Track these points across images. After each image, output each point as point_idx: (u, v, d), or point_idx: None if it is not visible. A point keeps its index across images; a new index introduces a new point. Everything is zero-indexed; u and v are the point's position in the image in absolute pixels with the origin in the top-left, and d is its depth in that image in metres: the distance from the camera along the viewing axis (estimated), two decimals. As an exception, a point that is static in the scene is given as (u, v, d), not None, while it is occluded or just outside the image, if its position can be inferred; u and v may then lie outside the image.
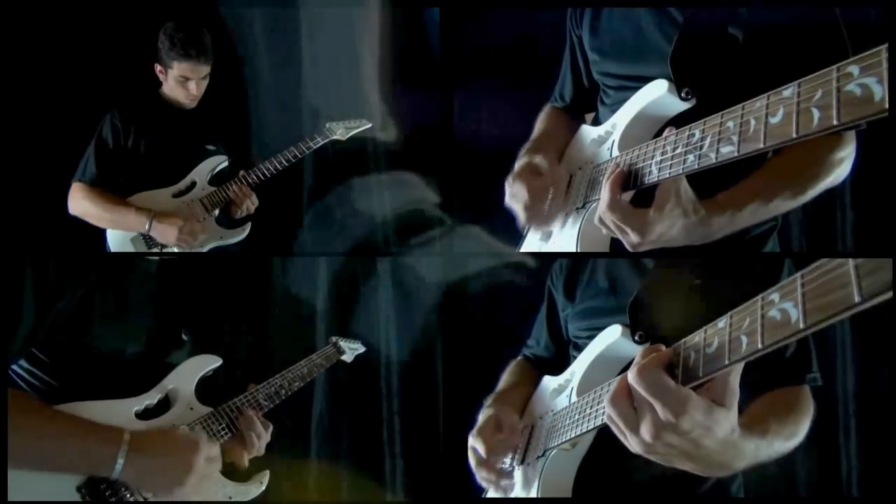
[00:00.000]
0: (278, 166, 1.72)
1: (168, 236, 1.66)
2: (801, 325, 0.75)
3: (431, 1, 1.55)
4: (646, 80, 1.19)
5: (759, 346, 0.80)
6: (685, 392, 0.91)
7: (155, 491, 1.19)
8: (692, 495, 1.20)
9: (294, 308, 1.72)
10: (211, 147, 1.78)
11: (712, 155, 0.95)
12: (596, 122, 1.37)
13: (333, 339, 1.59)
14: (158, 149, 1.74)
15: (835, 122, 0.76)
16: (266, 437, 1.36)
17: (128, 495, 1.19)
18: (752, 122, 0.89)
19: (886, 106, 0.71)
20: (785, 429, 1.12)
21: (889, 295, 0.67)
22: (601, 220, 1.15)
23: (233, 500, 1.31)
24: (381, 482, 1.55)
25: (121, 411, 1.24)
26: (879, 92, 0.71)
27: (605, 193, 1.14)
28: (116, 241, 1.71)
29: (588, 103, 1.42)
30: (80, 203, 1.70)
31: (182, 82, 1.72)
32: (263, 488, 1.36)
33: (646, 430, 0.93)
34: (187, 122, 1.78)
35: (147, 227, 1.66)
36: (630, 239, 1.12)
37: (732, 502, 1.25)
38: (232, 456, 1.33)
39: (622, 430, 0.97)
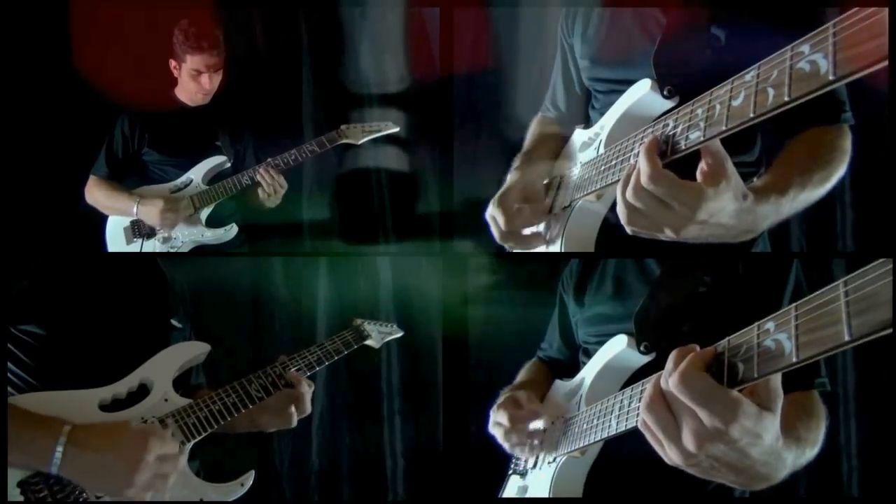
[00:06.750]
0: (300, 157, 1.74)
1: (152, 215, 1.74)
2: (794, 360, 0.76)
3: (431, 1, 1.57)
4: (634, 83, 1.20)
5: (755, 375, 0.81)
6: (735, 397, 0.83)
7: (101, 490, 1.10)
8: (697, 495, 1.19)
9: (292, 306, 1.73)
10: (219, 143, 1.82)
11: (682, 142, 0.97)
12: (587, 127, 1.39)
13: (358, 321, 1.38)
14: (166, 155, 1.81)
15: (786, 99, 0.78)
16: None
17: (77, 494, 1.10)
18: (718, 106, 0.91)
19: (831, 78, 0.72)
20: (811, 435, 1.07)
21: (883, 333, 0.66)
22: (633, 197, 0.99)
23: (204, 501, 1.21)
24: (381, 482, 1.56)
25: (83, 402, 1.16)
26: (825, 66, 0.74)
27: (644, 163, 0.97)
28: (112, 228, 1.80)
29: (579, 112, 1.44)
30: (92, 193, 1.81)
31: (195, 76, 1.77)
32: (245, 490, 1.25)
33: (689, 440, 0.84)
34: (197, 122, 1.82)
35: (135, 210, 1.75)
36: (674, 218, 0.97)
37: (734, 503, 1.24)
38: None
39: (660, 440, 0.88)
